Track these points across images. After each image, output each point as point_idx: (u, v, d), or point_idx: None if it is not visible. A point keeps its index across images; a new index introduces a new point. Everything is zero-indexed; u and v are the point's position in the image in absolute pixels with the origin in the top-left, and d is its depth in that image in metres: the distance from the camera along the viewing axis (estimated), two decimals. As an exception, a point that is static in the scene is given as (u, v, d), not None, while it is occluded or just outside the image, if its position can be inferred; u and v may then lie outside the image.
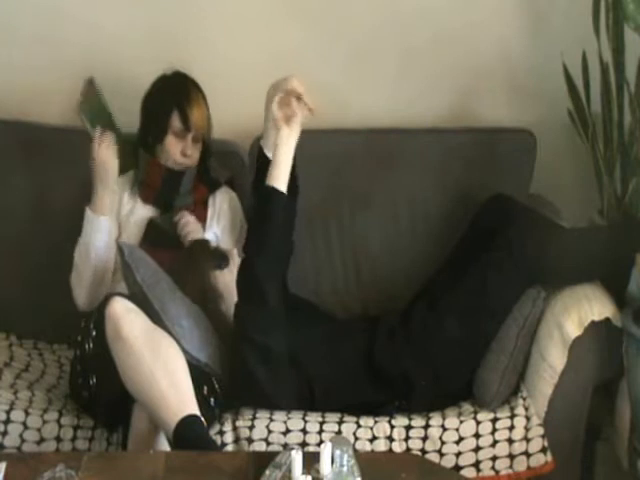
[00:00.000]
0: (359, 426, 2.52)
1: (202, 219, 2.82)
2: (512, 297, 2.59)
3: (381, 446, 2.49)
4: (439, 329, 2.58)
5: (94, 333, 2.46)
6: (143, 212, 2.80)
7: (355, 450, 2.34)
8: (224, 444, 2.48)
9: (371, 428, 2.51)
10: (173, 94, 2.75)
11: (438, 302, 2.61)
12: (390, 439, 2.50)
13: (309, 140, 2.99)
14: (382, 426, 2.52)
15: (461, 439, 2.52)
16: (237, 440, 2.49)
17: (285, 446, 2.47)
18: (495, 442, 2.52)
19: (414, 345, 2.59)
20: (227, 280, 2.61)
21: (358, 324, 2.74)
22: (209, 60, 3.04)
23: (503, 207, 2.72)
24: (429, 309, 2.63)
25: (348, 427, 2.51)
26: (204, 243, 2.70)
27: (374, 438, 2.50)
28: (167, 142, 2.75)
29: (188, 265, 2.63)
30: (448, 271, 2.72)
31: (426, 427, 2.52)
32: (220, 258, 2.64)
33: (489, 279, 2.57)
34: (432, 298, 2.65)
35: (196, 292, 2.59)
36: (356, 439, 2.50)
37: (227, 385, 2.53)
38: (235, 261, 2.64)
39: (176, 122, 2.73)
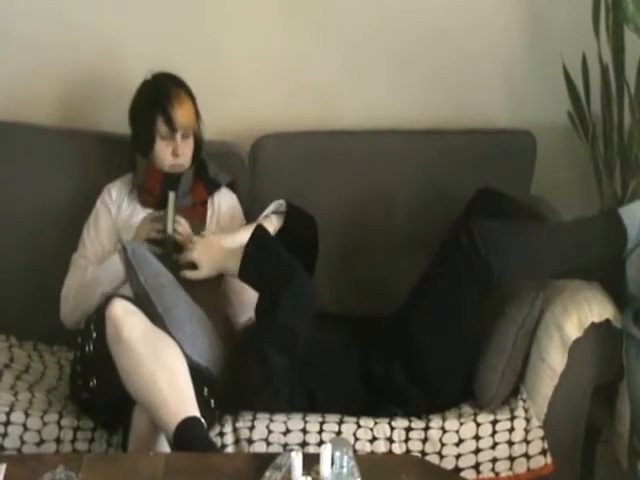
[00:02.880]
0: (359, 427, 2.52)
1: (202, 220, 2.82)
2: (476, 294, 2.55)
3: (381, 447, 2.50)
4: (423, 347, 2.57)
5: (94, 335, 2.46)
6: (143, 216, 2.79)
7: (355, 451, 2.34)
8: (224, 445, 2.48)
9: (371, 429, 2.52)
10: (154, 100, 2.73)
11: (414, 318, 2.60)
12: (390, 440, 2.51)
13: (311, 141, 3.02)
14: (382, 427, 2.52)
15: (461, 441, 2.52)
16: (237, 441, 2.49)
17: (285, 446, 2.48)
18: (495, 444, 2.52)
19: (404, 365, 2.58)
20: (236, 285, 2.60)
21: (355, 328, 2.73)
22: (209, 62, 3.05)
23: (486, 206, 2.70)
24: (407, 325, 2.61)
25: (348, 427, 2.51)
26: None
27: (374, 439, 2.51)
28: (157, 147, 2.74)
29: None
30: (427, 276, 2.71)
31: (426, 429, 2.52)
32: None
33: (449, 297, 2.55)
34: (411, 312, 2.64)
35: (207, 297, 2.58)
36: (356, 439, 2.50)
37: (224, 391, 2.52)
38: None
39: (162, 126, 2.71)
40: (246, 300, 2.63)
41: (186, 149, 2.76)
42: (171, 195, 2.69)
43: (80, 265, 2.77)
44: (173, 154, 2.74)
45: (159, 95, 2.73)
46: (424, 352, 2.56)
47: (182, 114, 2.72)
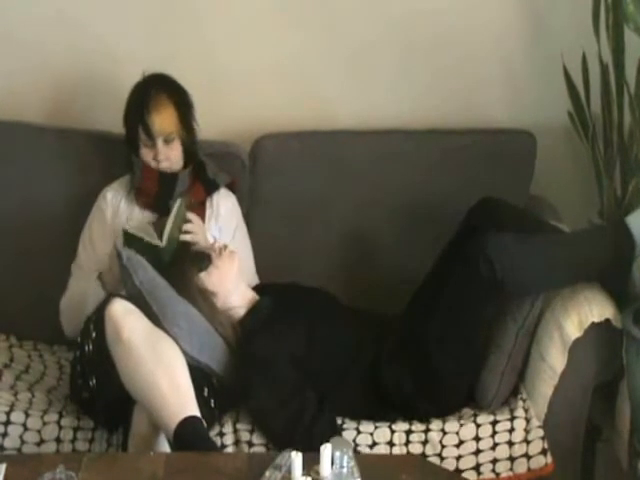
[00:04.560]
0: (359, 432, 2.51)
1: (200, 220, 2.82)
2: (489, 311, 2.56)
3: (381, 451, 2.48)
4: (434, 362, 2.56)
5: (94, 334, 2.46)
6: (141, 218, 2.77)
7: (355, 452, 2.33)
8: (224, 446, 2.47)
9: (371, 434, 2.51)
10: (134, 108, 2.74)
11: (421, 327, 2.59)
12: (391, 444, 2.50)
13: (311, 141, 3.02)
14: (382, 431, 2.51)
15: (461, 442, 2.51)
16: (237, 442, 2.49)
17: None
18: (495, 445, 2.52)
19: (415, 380, 2.57)
20: (215, 280, 2.60)
21: (368, 326, 2.73)
22: (209, 62, 3.04)
23: (487, 214, 2.70)
24: (417, 334, 2.60)
25: (348, 434, 2.50)
26: (186, 246, 2.68)
27: (374, 444, 2.50)
28: (141, 152, 2.76)
29: (173, 272, 2.62)
30: (432, 281, 2.69)
31: (426, 431, 2.52)
32: (200, 261, 2.62)
33: (458, 306, 2.54)
34: (418, 318, 2.62)
35: (188, 296, 2.58)
36: (356, 446, 2.48)
37: (227, 387, 2.53)
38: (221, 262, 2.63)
39: (142, 134, 2.72)
40: (227, 282, 2.62)
41: (170, 153, 2.76)
42: (177, 202, 2.68)
43: (75, 276, 2.79)
44: (154, 159, 2.74)
45: (139, 102, 2.73)
46: (436, 367, 2.55)
47: (160, 121, 2.72)
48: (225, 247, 2.66)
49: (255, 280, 2.86)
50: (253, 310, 2.63)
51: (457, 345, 2.54)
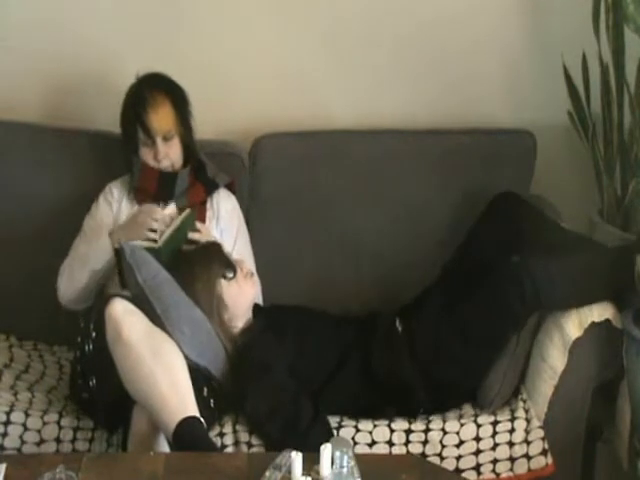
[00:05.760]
0: (358, 431, 2.51)
1: (201, 220, 2.81)
2: (516, 325, 2.58)
3: (381, 450, 2.48)
4: (445, 347, 2.57)
5: (94, 334, 2.46)
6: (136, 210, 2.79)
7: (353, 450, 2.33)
8: (224, 446, 2.47)
9: (370, 432, 2.51)
10: (132, 108, 2.74)
11: (445, 318, 2.60)
12: (390, 443, 2.50)
13: (311, 141, 3.02)
14: (382, 430, 2.51)
15: (461, 442, 2.51)
16: (237, 443, 2.48)
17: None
18: (496, 445, 2.52)
19: (416, 360, 2.57)
20: (232, 293, 2.61)
21: (355, 327, 2.73)
22: (210, 62, 3.04)
23: (512, 211, 2.71)
24: (436, 324, 2.61)
25: (347, 432, 2.50)
26: (219, 247, 2.69)
27: (373, 443, 2.50)
28: (141, 153, 2.76)
29: (201, 263, 2.62)
30: (458, 276, 2.70)
31: (426, 431, 2.51)
32: (228, 267, 2.62)
33: (495, 315, 2.55)
34: (440, 310, 2.64)
35: (205, 292, 2.58)
36: (355, 444, 2.48)
37: (226, 393, 2.53)
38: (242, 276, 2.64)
39: (140, 134, 2.73)
40: (242, 303, 2.63)
41: (170, 151, 2.76)
42: (186, 211, 2.69)
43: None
44: (154, 159, 2.75)
45: (135, 102, 2.74)
46: (441, 377, 2.57)
47: (158, 120, 2.72)
48: (252, 275, 2.69)
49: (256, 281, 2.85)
50: (249, 329, 2.64)
51: (467, 359, 2.57)
